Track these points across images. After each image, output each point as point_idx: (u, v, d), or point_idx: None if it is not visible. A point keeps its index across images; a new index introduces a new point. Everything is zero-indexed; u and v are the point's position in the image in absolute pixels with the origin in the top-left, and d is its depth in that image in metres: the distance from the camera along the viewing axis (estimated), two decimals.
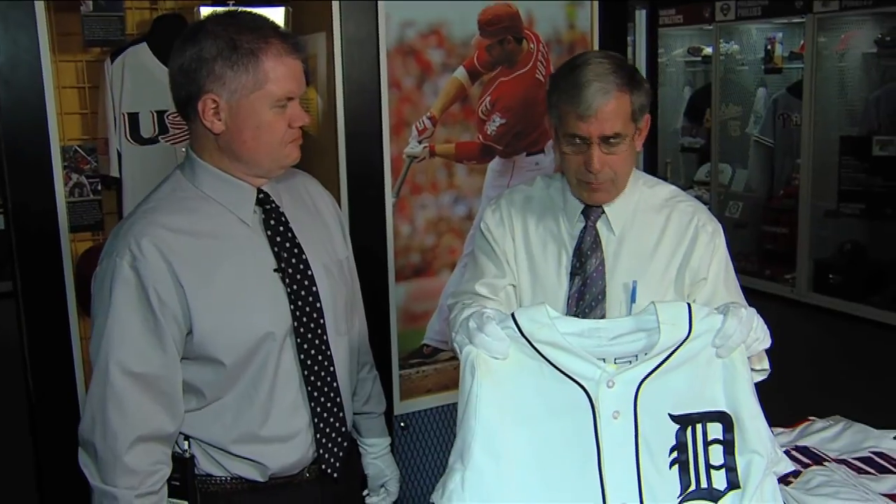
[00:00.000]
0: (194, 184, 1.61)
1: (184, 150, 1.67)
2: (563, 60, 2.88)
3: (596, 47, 2.94)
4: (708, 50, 7.24)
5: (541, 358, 1.39)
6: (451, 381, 2.85)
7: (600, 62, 1.68)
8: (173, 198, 1.60)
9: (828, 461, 1.70)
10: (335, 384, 1.69)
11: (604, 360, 1.40)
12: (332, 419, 1.69)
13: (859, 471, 1.68)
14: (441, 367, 2.86)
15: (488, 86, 2.82)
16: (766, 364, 1.64)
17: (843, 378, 4.64)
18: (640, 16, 3.35)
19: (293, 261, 1.63)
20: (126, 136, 2.77)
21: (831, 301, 5.84)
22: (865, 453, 1.74)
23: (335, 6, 2.57)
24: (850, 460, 1.71)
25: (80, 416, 1.56)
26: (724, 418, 1.40)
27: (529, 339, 1.39)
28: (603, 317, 1.72)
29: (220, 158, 1.59)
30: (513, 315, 1.41)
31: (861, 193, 5.69)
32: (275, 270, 1.62)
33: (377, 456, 1.95)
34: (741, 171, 6.89)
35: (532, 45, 2.86)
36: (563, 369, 1.39)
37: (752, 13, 6.46)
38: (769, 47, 6.83)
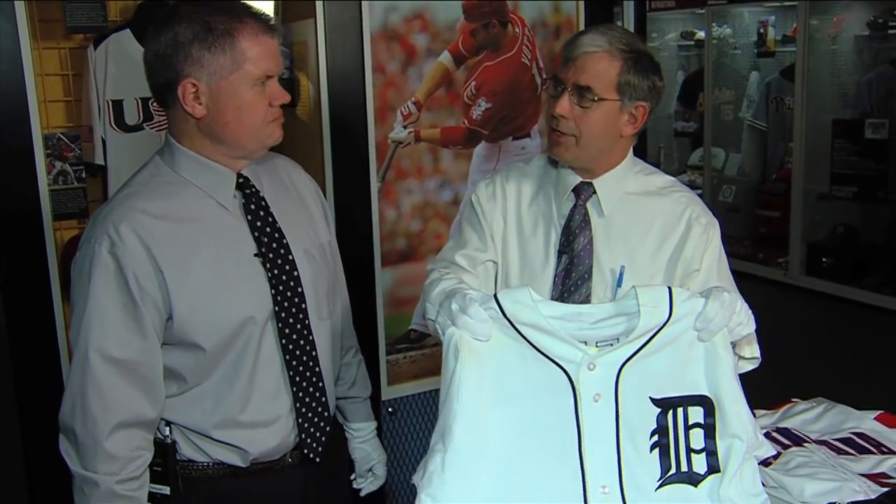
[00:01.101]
0: (174, 169, 1.60)
1: None
2: (548, 44, 2.90)
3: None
4: (701, 34, 7.21)
5: (523, 340, 1.39)
6: (439, 366, 2.78)
7: (610, 28, 1.72)
8: (153, 183, 1.60)
9: (808, 442, 1.71)
10: (317, 369, 1.69)
11: (585, 342, 1.40)
12: (314, 404, 1.69)
13: (839, 451, 1.68)
14: (428, 352, 2.86)
15: (473, 70, 2.80)
16: (756, 352, 1.63)
17: (836, 361, 4.64)
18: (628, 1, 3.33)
19: (273, 245, 1.63)
20: (110, 123, 2.77)
21: (824, 284, 5.82)
22: (846, 434, 1.75)
23: None
24: (830, 441, 1.72)
25: None
26: (705, 402, 1.40)
27: (512, 320, 1.39)
28: (588, 296, 1.71)
29: (200, 143, 1.58)
30: (496, 296, 1.41)
31: (853, 176, 5.67)
32: (255, 255, 1.61)
33: (363, 440, 1.95)
34: (734, 156, 6.87)
35: (517, 29, 2.85)
36: (544, 351, 1.38)
37: None
38: (762, 31, 6.80)
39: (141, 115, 2.79)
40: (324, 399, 1.71)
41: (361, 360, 1.98)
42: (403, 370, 2.85)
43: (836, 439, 1.73)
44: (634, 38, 1.72)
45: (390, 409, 2.84)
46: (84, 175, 2.70)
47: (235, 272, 1.59)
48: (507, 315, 1.39)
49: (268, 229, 1.63)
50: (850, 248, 5.76)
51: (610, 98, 1.66)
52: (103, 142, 2.76)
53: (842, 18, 5.93)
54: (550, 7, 2.91)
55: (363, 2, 2.60)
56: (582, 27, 2.94)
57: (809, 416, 1.85)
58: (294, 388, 1.66)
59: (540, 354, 1.39)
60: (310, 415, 1.69)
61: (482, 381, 1.39)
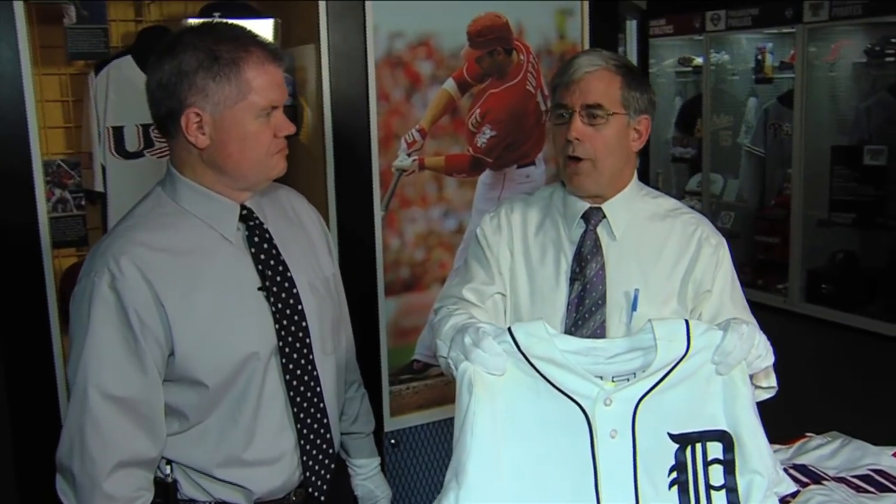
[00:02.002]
0: (175, 200, 1.57)
1: None
2: (553, 72, 2.88)
3: None
4: (698, 60, 7.24)
5: (537, 375, 1.37)
6: (442, 396, 2.81)
7: (598, 49, 1.78)
8: (154, 215, 1.56)
9: (826, 480, 1.67)
10: (322, 405, 1.65)
11: (601, 377, 1.38)
12: (318, 440, 1.65)
13: (858, 489, 1.65)
14: (432, 382, 2.82)
15: (478, 98, 2.79)
16: (773, 381, 1.62)
17: (837, 389, 4.62)
18: (631, 26, 3.32)
19: (278, 279, 1.59)
20: (111, 150, 2.73)
21: (824, 311, 5.82)
22: (864, 471, 1.71)
23: (322, 18, 2.55)
24: (848, 478, 1.69)
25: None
26: (724, 437, 1.37)
27: (526, 354, 1.37)
28: (603, 323, 1.70)
29: (202, 173, 1.55)
30: (509, 329, 1.38)
31: (852, 203, 5.69)
32: (259, 289, 1.58)
33: (366, 477, 1.91)
34: (732, 182, 6.89)
35: (522, 57, 2.84)
36: (559, 387, 1.36)
37: (742, 23, 6.46)
38: (760, 57, 6.83)
39: (142, 141, 2.76)
40: (329, 436, 1.67)
41: (365, 394, 1.94)
42: (406, 401, 2.81)
43: (854, 476, 1.70)
44: (622, 56, 1.77)
45: (392, 441, 2.80)
46: (84, 202, 2.67)
47: (239, 306, 1.55)
48: (522, 348, 1.37)
49: (272, 262, 1.60)
50: (850, 275, 5.76)
51: (618, 112, 1.67)
52: (103, 168, 2.73)
53: (840, 45, 5.97)
54: (555, 35, 2.90)
55: (367, 28, 2.59)
56: None
57: (825, 452, 1.81)
58: (298, 425, 1.62)
59: (555, 389, 1.36)
60: (314, 452, 1.64)
61: (496, 417, 1.36)
